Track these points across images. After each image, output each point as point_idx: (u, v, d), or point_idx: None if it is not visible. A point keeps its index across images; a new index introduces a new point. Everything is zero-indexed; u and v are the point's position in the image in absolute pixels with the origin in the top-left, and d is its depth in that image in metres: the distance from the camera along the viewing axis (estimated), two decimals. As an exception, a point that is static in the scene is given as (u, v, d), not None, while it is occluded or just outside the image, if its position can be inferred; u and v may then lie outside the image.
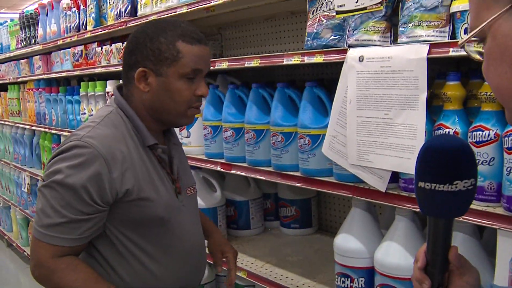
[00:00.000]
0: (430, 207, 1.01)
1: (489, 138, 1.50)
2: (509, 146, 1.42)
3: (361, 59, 1.74)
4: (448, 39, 1.59)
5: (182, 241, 1.76)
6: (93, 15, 3.74)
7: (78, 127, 1.69)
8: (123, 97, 1.71)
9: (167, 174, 1.75)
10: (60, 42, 4.31)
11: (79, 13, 3.97)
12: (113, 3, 3.46)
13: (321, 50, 1.93)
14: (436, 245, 1.04)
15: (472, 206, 1.54)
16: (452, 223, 1.03)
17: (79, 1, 3.94)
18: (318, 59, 1.92)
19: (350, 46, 1.83)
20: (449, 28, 1.59)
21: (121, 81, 1.78)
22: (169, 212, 1.69)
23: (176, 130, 2.28)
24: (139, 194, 1.61)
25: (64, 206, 1.52)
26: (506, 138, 1.43)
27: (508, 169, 1.43)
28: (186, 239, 1.77)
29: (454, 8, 1.54)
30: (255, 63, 2.22)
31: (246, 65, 2.27)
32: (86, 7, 3.86)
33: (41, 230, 1.54)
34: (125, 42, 3.44)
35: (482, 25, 0.75)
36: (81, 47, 4.09)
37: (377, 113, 1.70)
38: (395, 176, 1.77)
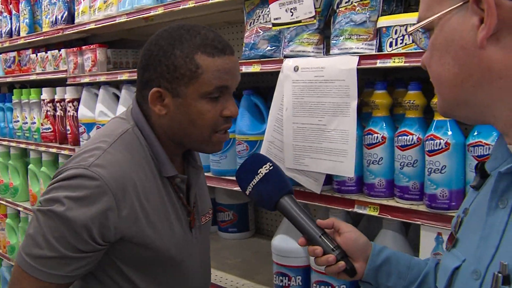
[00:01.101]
0: (266, 200, 1.31)
1: (412, 142, 1.64)
2: (430, 149, 1.56)
3: (296, 69, 1.84)
4: (375, 51, 1.72)
5: (188, 281, 1.54)
6: (27, 20, 3.68)
7: (86, 145, 1.41)
8: (143, 113, 1.44)
9: (183, 206, 1.50)
10: (-10, 48, 4.19)
11: (11, 18, 3.89)
12: (49, 9, 3.42)
13: (258, 60, 2.02)
14: (298, 222, 1.28)
15: (398, 205, 1.68)
16: (293, 201, 1.30)
17: (10, 6, 3.86)
18: (255, 68, 2.01)
19: (285, 56, 1.93)
20: (376, 41, 1.73)
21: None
22: (180, 251, 1.47)
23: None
24: (153, 230, 1.39)
25: (58, 238, 1.28)
26: (427, 142, 1.57)
27: (429, 170, 1.57)
28: (192, 279, 1.55)
29: (380, 23, 1.68)
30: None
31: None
32: (18, 12, 3.79)
33: (27, 259, 1.29)
34: (61, 50, 3.46)
35: (434, 16, 0.82)
36: (14, 53, 4.00)
37: (312, 120, 1.80)
38: (329, 179, 1.88)
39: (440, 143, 1.54)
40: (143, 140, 1.42)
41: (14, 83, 4.46)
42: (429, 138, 1.57)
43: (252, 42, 2.06)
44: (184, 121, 1.37)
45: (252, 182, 1.33)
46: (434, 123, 1.58)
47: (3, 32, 4.00)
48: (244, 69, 2.06)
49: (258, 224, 3.10)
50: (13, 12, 3.84)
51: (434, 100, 1.57)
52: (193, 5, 2.24)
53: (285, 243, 2.10)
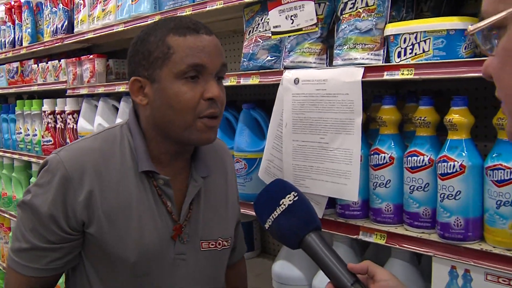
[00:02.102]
0: (289, 237, 1.12)
1: (423, 164, 1.47)
2: (443, 172, 1.39)
3: (296, 81, 1.69)
4: (382, 62, 1.56)
5: None
6: (29, 30, 3.59)
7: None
8: (136, 112, 1.41)
9: (168, 213, 1.37)
10: (-5, 58, 4.13)
11: (14, 28, 3.82)
12: (50, 19, 3.34)
13: (257, 71, 1.88)
14: (326, 265, 1.08)
15: (407, 233, 1.51)
16: (320, 239, 1.10)
17: (14, 16, 3.79)
18: (254, 80, 1.87)
19: (286, 67, 1.78)
20: (384, 51, 1.57)
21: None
22: (147, 261, 1.34)
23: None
24: (111, 225, 1.31)
25: (31, 230, 1.29)
26: (440, 163, 1.40)
27: (442, 195, 1.40)
28: None
29: (388, 31, 1.52)
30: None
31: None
32: (21, 22, 3.71)
33: (11, 254, 1.32)
34: (61, 60, 3.37)
35: (498, 16, 0.63)
36: (17, 64, 3.92)
37: (313, 137, 1.65)
38: (332, 202, 1.72)
39: (454, 166, 1.37)
40: (129, 136, 1.38)
41: (22, 94, 4.39)
42: (442, 159, 1.40)
43: (251, 52, 1.91)
44: (163, 106, 1.30)
45: (273, 214, 1.14)
46: (448, 143, 1.41)
47: (6, 42, 3.93)
48: (242, 81, 1.92)
49: (264, 243, 2.95)
50: (16, 21, 3.77)
51: (448, 117, 1.40)
52: (190, 12, 2.11)
53: (286, 269, 1.95)
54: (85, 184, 1.29)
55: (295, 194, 1.14)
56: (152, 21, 2.29)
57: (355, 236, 1.63)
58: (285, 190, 1.16)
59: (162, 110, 1.30)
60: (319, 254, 1.10)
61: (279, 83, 1.77)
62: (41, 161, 3.50)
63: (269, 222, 1.14)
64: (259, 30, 1.90)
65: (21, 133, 3.83)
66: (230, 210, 1.52)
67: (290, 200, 1.13)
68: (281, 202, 1.13)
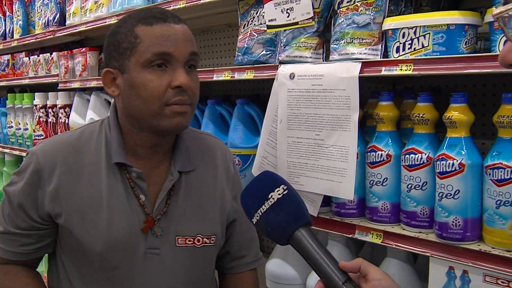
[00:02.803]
0: (278, 232, 1.05)
1: (421, 162, 1.43)
2: (441, 170, 1.35)
3: (292, 76, 1.65)
4: (380, 58, 1.52)
5: None
6: (20, 22, 3.54)
7: None
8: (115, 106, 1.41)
9: (140, 206, 1.35)
10: (-15, 51, 4.06)
11: (5, 20, 3.75)
12: (41, 11, 3.28)
13: (251, 66, 1.84)
14: (317, 263, 1.03)
15: (404, 232, 1.48)
16: (310, 235, 1.04)
17: (4, 7, 3.73)
18: (248, 75, 1.82)
19: (281, 62, 1.74)
20: (382, 46, 1.53)
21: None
22: (115, 252, 1.32)
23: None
24: (78, 216, 1.32)
25: (6, 215, 1.38)
26: (438, 162, 1.36)
27: (440, 194, 1.37)
28: None
29: (386, 25, 1.48)
30: (184, 78, 2.10)
31: (175, 79, 2.15)
32: (12, 14, 3.64)
33: None
34: (53, 53, 3.31)
35: None
36: (8, 56, 3.86)
37: (308, 134, 1.61)
38: (327, 200, 1.68)
39: (453, 164, 1.33)
40: (108, 130, 1.38)
41: (14, 87, 4.32)
42: (440, 157, 1.36)
43: (246, 46, 1.87)
44: (132, 96, 1.30)
45: (261, 209, 1.06)
46: (447, 141, 1.37)
47: (-3, 34, 3.86)
48: (236, 76, 1.88)
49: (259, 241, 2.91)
50: (7, 13, 3.70)
51: (447, 114, 1.36)
52: (183, 5, 2.06)
53: (280, 268, 1.91)
54: (55, 177, 1.33)
55: (285, 188, 1.07)
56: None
57: (350, 235, 1.60)
58: (274, 183, 1.08)
59: (131, 99, 1.30)
60: (309, 251, 1.04)
61: (274, 78, 1.73)
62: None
63: (257, 216, 1.07)
64: (254, 24, 1.86)
65: (12, 127, 3.78)
66: (218, 207, 1.46)
67: (279, 194, 1.06)
68: (269, 196, 1.06)
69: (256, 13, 1.86)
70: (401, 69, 1.41)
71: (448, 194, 1.35)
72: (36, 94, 3.47)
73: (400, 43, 1.43)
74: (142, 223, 1.34)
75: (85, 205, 1.33)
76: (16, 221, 1.35)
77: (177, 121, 1.30)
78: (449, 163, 1.34)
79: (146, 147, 1.36)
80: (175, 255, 1.38)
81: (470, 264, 1.31)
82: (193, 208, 1.41)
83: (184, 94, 1.28)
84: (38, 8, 3.33)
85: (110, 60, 1.33)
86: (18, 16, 3.55)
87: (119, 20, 1.37)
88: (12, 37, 3.66)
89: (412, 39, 1.40)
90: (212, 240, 1.43)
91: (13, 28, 3.65)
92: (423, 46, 1.38)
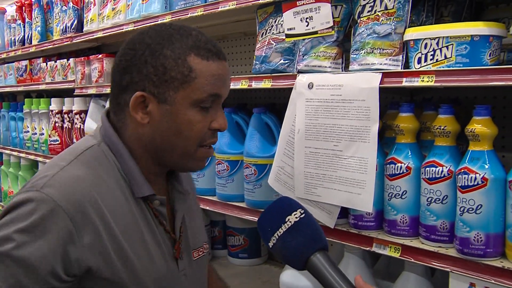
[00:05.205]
0: (295, 256, 1.05)
1: (442, 175, 1.40)
2: (463, 184, 1.33)
3: (310, 86, 1.63)
4: (401, 68, 1.50)
5: None
6: (39, 28, 3.56)
7: (44, 167, 1.20)
8: (114, 127, 1.24)
9: (166, 233, 1.27)
10: (4, 56, 4.10)
11: (24, 26, 3.78)
12: (60, 17, 3.30)
13: (269, 75, 1.82)
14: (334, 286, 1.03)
15: (424, 247, 1.45)
16: (327, 260, 1.04)
17: (24, 14, 3.76)
18: (266, 84, 1.81)
19: (299, 71, 1.72)
20: (403, 56, 1.50)
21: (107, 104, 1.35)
22: (164, 286, 1.25)
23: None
24: (124, 263, 1.16)
25: (12, 285, 1.04)
26: (460, 175, 1.34)
27: (462, 209, 1.34)
28: None
29: (408, 36, 1.45)
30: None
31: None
32: (31, 20, 3.67)
33: None
34: (70, 59, 3.33)
35: None
36: (26, 62, 3.89)
37: (326, 144, 1.59)
38: (344, 212, 1.66)
39: (475, 178, 1.30)
40: (112, 156, 1.21)
41: (31, 92, 4.36)
42: (462, 171, 1.33)
43: (264, 54, 1.86)
44: (169, 131, 1.19)
45: (278, 232, 1.06)
46: (469, 154, 1.34)
47: (16, 40, 3.90)
48: (254, 84, 1.86)
49: (271, 250, 2.89)
50: (26, 19, 3.73)
51: (470, 127, 1.33)
52: (201, 13, 2.05)
53: (295, 279, 1.88)
54: (89, 224, 1.10)
55: (302, 211, 1.07)
56: (163, 21, 2.25)
57: (368, 248, 1.57)
58: (291, 207, 1.09)
59: (167, 134, 1.20)
60: (326, 277, 1.03)
61: (292, 88, 1.71)
62: (47, 161, 3.47)
63: (273, 240, 1.07)
64: (273, 32, 1.85)
65: (28, 131, 3.80)
66: (199, 210, 1.51)
67: (296, 217, 1.06)
68: (286, 219, 1.06)
69: (275, 21, 1.85)
70: (422, 81, 1.39)
71: (470, 209, 1.32)
72: (52, 99, 3.49)
73: (422, 54, 1.41)
74: (171, 249, 1.28)
75: (124, 246, 1.16)
76: (36, 287, 1.06)
77: (202, 165, 1.28)
78: (472, 177, 1.31)
79: (155, 173, 1.28)
80: (194, 270, 1.36)
81: (492, 281, 1.28)
82: (194, 220, 1.40)
83: (217, 135, 1.25)
84: (57, 14, 3.35)
85: (145, 82, 1.17)
86: (37, 22, 3.58)
87: (153, 35, 1.20)
88: (31, 43, 3.69)
89: (434, 50, 1.38)
90: (207, 244, 1.44)
91: (31, 34, 3.68)
92: (445, 57, 1.36)
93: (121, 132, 1.23)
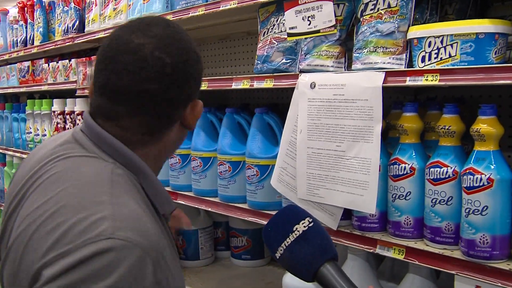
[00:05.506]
0: (303, 267, 1.00)
1: (447, 176, 1.38)
2: (468, 185, 1.30)
3: (312, 85, 1.61)
4: (405, 67, 1.48)
5: None
6: (41, 29, 3.55)
7: (66, 209, 0.97)
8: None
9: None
10: (6, 57, 4.09)
11: (26, 27, 3.77)
12: (61, 18, 3.28)
13: (271, 74, 1.80)
14: None
15: (428, 249, 1.42)
16: (337, 270, 1.00)
17: (26, 15, 3.75)
18: (268, 84, 1.78)
19: (302, 71, 1.70)
20: (406, 55, 1.48)
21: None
22: None
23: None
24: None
25: None
26: (465, 176, 1.31)
27: (467, 210, 1.31)
28: None
29: (411, 34, 1.43)
30: (203, 86, 2.07)
31: (193, 87, 2.12)
32: (33, 21, 3.66)
33: None
34: (72, 60, 3.32)
35: None
36: (28, 63, 3.89)
37: (329, 145, 1.56)
38: (348, 213, 1.63)
39: (481, 179, 1.27)
40: (131, 175, 1.09)
41: (34, 93, 4.35)
42: (467, 171, 1.30)
43: (265, 54, 1.83)
44: (173, 147, 1.20)
45: (285, 242, 1.01)
46: (474, 154, 1.31)
47: (18, 41, 3.89)
48: (256, 84, 1.84)
49: (274, 251, 2.87)
50: (29, 20, 3.72)
51: (475, 127, 1.31)
52: (202, 12, 2.03)
53: (298, 282, 1.84)
54: (163, 262, 0.98)
55: (310, 220, 1.03)
56: (164, 21, 2.23)
57: (371, 250, 1.55)
58: (298, 216, 1.05)
59: (170, 151, 1.20)
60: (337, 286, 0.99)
61: (294, 87, 1.69)
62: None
63: (281, 250, 1.02)
64: (274, 32, 1.82)
65: (31, 132, 3.79)
66: None
67: (305, 226, 1.02)
68: (294, 228, 1.02)
69: (277, 20, 1.82)
70: (426, 80, 1.36)
71: (476, 210, 1.29)
72: (54, 100, 3.47)
73: (426, 53, 1.38)
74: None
75: (174, 275, 1.04)
76: None
77: None
78: (477, 177, 1.28)
79: None
80: None
81: (499, 284, 1.25)
82: None
83: None
84: (58, 15, 3.34)
85: (196, 92, 1.16)
86: (39, 23, 3.57)
87: (190, 41, 1.14)
88: (33, 43, 3.68)
89: (438, 48, 1.35)
90: None
91: (33, 35, 3.67)
92: (450, 56, 1.33)
93: (138, 152, 1.12)
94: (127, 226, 0.94)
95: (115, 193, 1.00)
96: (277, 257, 1.03)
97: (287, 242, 1.01)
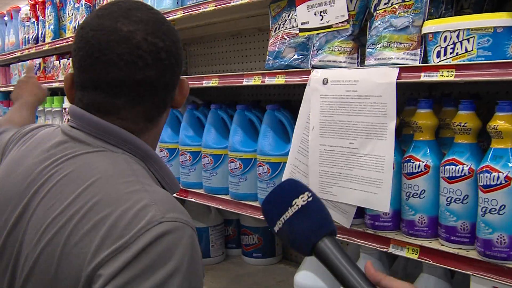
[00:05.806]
0: (302, 241, 0.98)
1: (462, 174, 1.35)
2: (485, 183, 1.27)
3: (325, 81, 1.58)
4: (419, 63, 1.45)
5: None
6: (52, 26, 3.55)
7: (103, 204, 0.96)
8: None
9: None
10: (18, 54, 4.10)
11: (37, 24, 3.78)
12: (72, 15, 3.28)
13: (283, 70, 1.78)
14: (343, 276, 0.95)
15: (443, 248, 1.40)
16: (335, 245, 0.98)
17: (37, 12, 3.75)
18: (279, 80, 1.76)
19: (314, 67, 1.67)
20: (421, 50, 1.45)
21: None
22: None
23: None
24: None
25: None
26: (481, 174, 1.28)
27: (484, 209, 1.28)
28: None
29: (426, 29, 1.40)
30: (213, 82, 2.05)
31: (204, 84, 2.10)
32: (45, 18, 3.66)
33: None
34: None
35: None
36: (40, 60, 3.89)
37: (342, 142, 1.54)
38: (360, 211, 1.61)
39: (498, 177, 1.24)
40: (141, 162, 1.08)
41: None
42: (484, 170, 1.27)
43: (277, 50, 1.81)
44: (162, 130, 1.19)
45: (284, 215, 0.99)
46: (491, 152, 1.28)
47: (30, 38, 3.89)
48: (267, 80, 1.82)
49: (286, 249, 2.85)
50: (40, 17, 3.73)
51: (492, 124, 1.27)
52: (213, 8, 2.01)
53: (309, 280, 1.84)
54: None
55: (309, 195, 1.00)
56: (174, 17, 2.22)
57: (385, 249, 1.52)
58: (298, 190, 1.02)
59: (161, 132, 1.20)
60: (334, 263, 0.97)
61: (306, 84, 1.67)
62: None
63: (279, 224, 1.00)
64: (286, 27, 1.80)
65: (42, 130, 3.80)
66: None
67: (303, 201, 0.99)
68: (293, 203, 0.99)
69: (288, 16, 1.80)
70: (442, 75, 1.33)
71: (493, 209, 1.26)
72: (65, 97, 3.48)
73: (442, 48, 1.35)
74: None
75: None
76: None
77: None
78: (494, 176, 1.25)
79: None
80: None
81: (517, 285, 1.22)
82: None
83: None
84: (69, 12, 3.34)
85: (180, 72, 1.14)
86: (50, 20, 3.57)
87: (174, 30, 1.12)
88: (44, 41, 3.68)
89: (454, 43, 1.32)
90: None
91: (45, 32, 3.67)
92: (466, 51, 1.30)
93: (142, 137, 1.11)
94: (169, 208, 0.96)
95: (142, 181, 1.01)
96: (276, 231, 1.02)
97: (286, 216, 0.99)
